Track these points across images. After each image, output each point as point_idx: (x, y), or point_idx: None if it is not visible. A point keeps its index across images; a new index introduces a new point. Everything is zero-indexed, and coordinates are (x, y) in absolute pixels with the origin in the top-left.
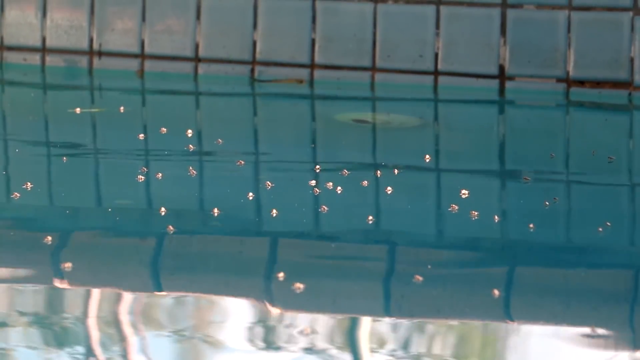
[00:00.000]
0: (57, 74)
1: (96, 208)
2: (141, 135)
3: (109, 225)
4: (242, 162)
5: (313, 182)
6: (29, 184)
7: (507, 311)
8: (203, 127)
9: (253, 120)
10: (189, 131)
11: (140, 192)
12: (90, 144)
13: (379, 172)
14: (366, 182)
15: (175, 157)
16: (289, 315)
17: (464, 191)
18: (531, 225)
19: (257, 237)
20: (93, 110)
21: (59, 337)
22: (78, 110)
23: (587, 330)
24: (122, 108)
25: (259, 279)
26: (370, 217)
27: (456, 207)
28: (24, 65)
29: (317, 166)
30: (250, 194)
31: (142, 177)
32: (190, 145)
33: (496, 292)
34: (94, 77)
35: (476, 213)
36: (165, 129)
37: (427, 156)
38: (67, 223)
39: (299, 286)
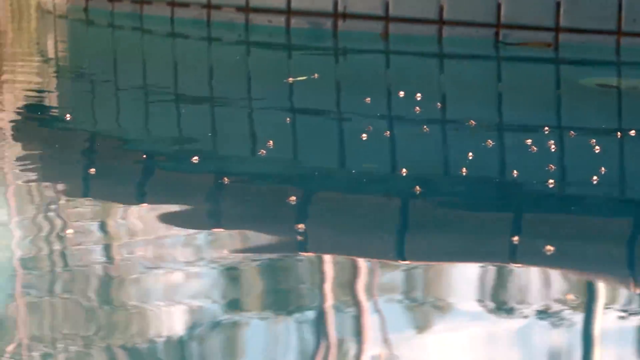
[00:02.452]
0: (301, 36)
1: (338, 169)
2: (401, 94)
3: (353, 187)
4: (473, 123)
5: (553, 147)
6: (271, 142)
7: None
8: (447, 90)
9: (496, 83)
10: (421, 96)
11: (382, 154)
12: (332, 106)
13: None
14: (605, 147)
15: (419, 120)
16: None
17: None
18: None
19: (506, 201)
20: (300, 78)
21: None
22: (291, 79)
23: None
24: (315, 75)
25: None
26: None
27: None
28: (269, 27)
29: (571, 132)
30: (488, 157)
31: (384, 140)
32: (438, 104)
33: None
34: (338, 39)
35: None
36: (418, 94)
37: None
38: (311, 183)
39: None
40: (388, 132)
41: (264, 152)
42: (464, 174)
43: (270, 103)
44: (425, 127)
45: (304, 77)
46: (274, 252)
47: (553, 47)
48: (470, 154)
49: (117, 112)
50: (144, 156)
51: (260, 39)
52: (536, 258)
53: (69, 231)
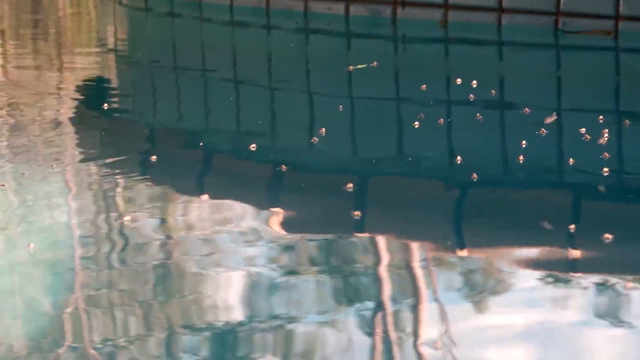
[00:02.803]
0: (360, 23)
1: (396, 156)
2: (460, 81)
3: (409, 173)
4: (527, 110)
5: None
6: (323, 130)
7: None
8: (505, 78)
9: (555, 72)
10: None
11: (438, 141)
12: (390, 94)
13: None
14: None
15: (475, 108)
16: None
17: None
18: None
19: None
20: (360, 66)
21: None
22: (351, 68)
23: None
24: (375, 63)
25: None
26: None
27: None
28: (328, 15)
29: (626, 120)
30: (548, 147)
31: (440, 128)
32: (492, 91)
33: None
34: (397, 27)
35: None
36: (474, 81)
37: None
38: (369, 170)
39: None
40: (443, 119)
41: (316, 140)
42: (520, 161)
43: (328, 90)
44: (479, 114)
45: (364, 65)
46: (331, 233)
47: (612, 35)
48: (524, 141)
49: (177, 100)
50: (201, 144)
51: (319, 26)
52: (595, 246)
53: (127, 218)
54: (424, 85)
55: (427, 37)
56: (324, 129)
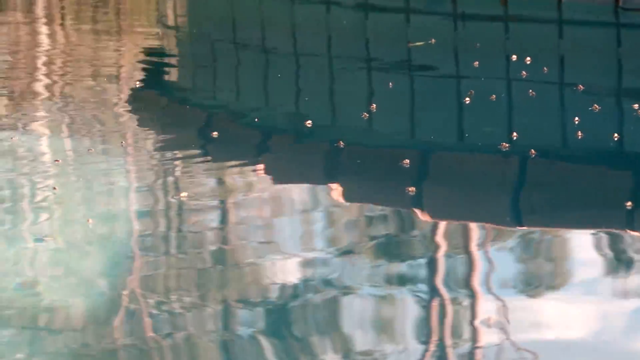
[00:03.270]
0: (421, 0)
1: (453, 132)
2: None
3: (465, 149)
4: (581, 87)
5: None
6: (374, 106)
7: None
8: (565, 56)
9: (616, 50)
10: (528, 58)
11: (497, 117)
12: (448, 70)
13: None
14: None
15: (532, 85)
16: None
17: None
18: None
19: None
20: (418, 43)
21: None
22: (410, 44)
23: None
24: (433, 40)
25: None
26: None
27: None
28: None
29: None
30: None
31: (497, 104)
32: (545, 69)
33: None
34: (457, 4)
35: None
36: (529, 58)
37: None
38: (426, 145)
39: None
40: (496, 96)
41: (366, 115)
42: (578, 137)
43: (386, 66)
44: (532, 91)
45: (422, 43)
46: (390, 208)
47: None
48: (577, 118)
49: (236, 76)
50: (256, 119)
51: (378, 2)
52: None
53: (183, 194)
54: (477, 62)
55: (487, 15)
56: (375, 105)
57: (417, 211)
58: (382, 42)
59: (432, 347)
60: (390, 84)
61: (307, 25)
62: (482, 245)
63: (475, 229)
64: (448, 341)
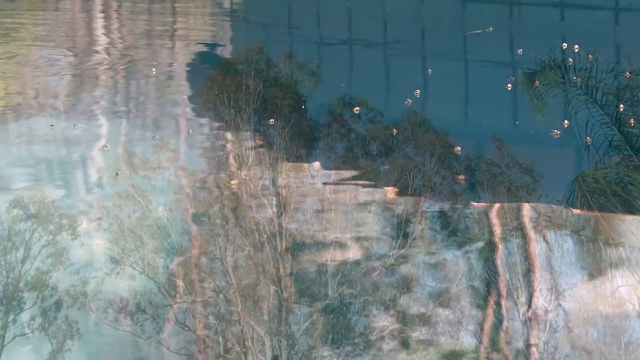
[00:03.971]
0: None
1: (506, 119)
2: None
3: (516, 139)
4: (628, 74)
5: None
6: (418, 91)
7: None
8: (621, 44)
9: None
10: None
11: (546, 106)
12: (504, 58)
13: None
14: None
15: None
16: None
17: None
18: None
19: None
20: (476, 31)
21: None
22: (467, 32)
23: None
24: (491, 28)
25: None
26: None
27: None
28: None
29: None
30: None
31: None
32: (589, 56)
33: None
34: None
35: None
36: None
37: None
38: (480, 133)
39: None
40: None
41: (409, 102)
42: (631, 124)
43: (442, 54)
44: (576, 78)
45: (479, 31)
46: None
47: None
48: (622, 106)
49: (288, 59)
50: (303, 107)
51: None
52: None
53: (233, 182)
54: (520, 50)
55: (543, 3)
56: (418, 91)
57: (469, 195)
58: (438, 28)
59: None
60: (447, 70)
61: (361, 9)
62: (536, 227)
63: (529, 212)
64: None
